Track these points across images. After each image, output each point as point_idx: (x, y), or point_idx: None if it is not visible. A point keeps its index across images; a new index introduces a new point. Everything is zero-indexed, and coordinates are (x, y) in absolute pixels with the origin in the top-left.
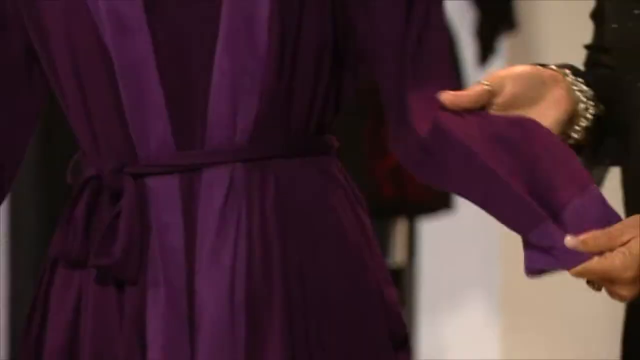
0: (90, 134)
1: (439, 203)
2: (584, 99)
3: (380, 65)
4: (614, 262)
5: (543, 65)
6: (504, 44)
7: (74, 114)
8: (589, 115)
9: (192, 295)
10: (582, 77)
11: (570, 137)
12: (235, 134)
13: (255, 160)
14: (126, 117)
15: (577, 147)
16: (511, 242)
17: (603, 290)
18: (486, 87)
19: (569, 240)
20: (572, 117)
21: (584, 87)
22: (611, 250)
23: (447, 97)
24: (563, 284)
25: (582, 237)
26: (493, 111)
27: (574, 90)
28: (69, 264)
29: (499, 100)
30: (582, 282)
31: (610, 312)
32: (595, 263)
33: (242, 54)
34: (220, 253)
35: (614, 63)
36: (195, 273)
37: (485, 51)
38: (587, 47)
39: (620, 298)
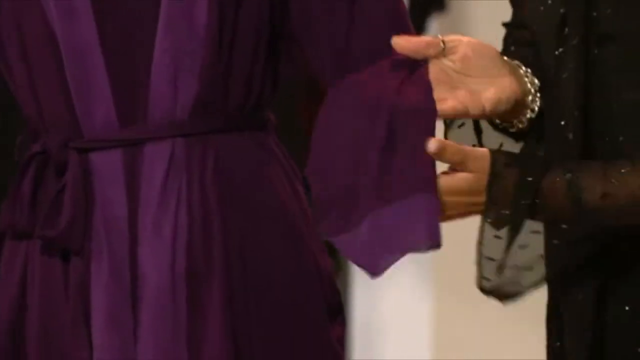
0: (37, 112)
1: None
2: (533, 91)
3: (315, 41)
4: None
5: None
6: (433, 25)
7: (22, 93)
8: (535, 107)
9: (135, 266)
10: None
11: (513, 125)
12: (176, 110)
13: (196, 135)
14: (71, 95)
15: (520, 134)
16: None
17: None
18: (439, 40)
19: (433, 141)
20: (519, 107)
21: (535, 80)
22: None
23: (398, 40)
24: None
25: (445, 142)
26: (450, 69)
27: (525, 82)
28: (16, 235)
29: (453, 57)
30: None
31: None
32: (442, 179)
33: (182, 35)
34: (161, 225)
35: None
36: (138, 245)
37: (416, 31)
38: (506, 24)
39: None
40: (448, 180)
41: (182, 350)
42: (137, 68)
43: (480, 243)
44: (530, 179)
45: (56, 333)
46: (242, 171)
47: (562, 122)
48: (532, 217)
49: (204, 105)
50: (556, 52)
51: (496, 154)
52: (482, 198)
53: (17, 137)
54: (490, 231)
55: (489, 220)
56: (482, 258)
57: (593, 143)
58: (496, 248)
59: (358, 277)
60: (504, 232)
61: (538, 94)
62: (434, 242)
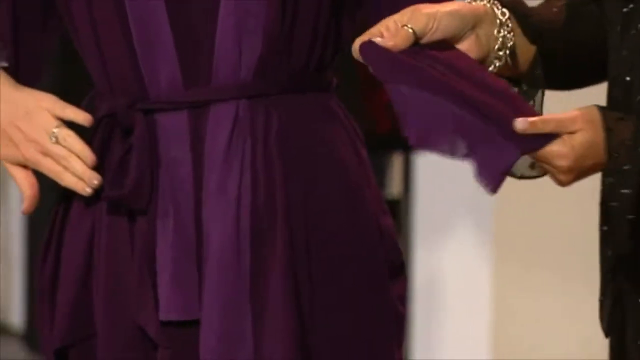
0: (104, 74)
1: None
2: (498, 46)
3: (375, 4)
4: (552, 147)
5: None
6: None
7: (89, 55)
8: (498, 63)
9: (199, 225)
10: (524, 18)
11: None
12: (240, 71)
13: (260, 97)
14: (137, 56)
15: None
16: None
17: (591, 221)
18: (410, 31)
19: (519, 122)
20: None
21: (508, 35)
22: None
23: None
24: (553, 214)
25: (532, 119)
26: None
27: (496, 36)
28: (84, 198)
29: (423, 41)
30: (574, 211)
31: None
32: None
33: None
34: (226, 185)
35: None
36: (203, 204)
37: None
38: None
39: (558, 183)
40: (565, 146)
41: (245, 307)
42: (201, 29)
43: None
44: None
45: (122, 293)
46: (305, 132)
47: (627, 78)
48: None
49: (268, 66)
50: (624, 10)
51: (601, 110)
52: (602, 155)
53: (80, 101)
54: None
55: (612, 179)
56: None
57: None
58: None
59: (419, 237)
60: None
61: (503, 51)
62: (489, 189)
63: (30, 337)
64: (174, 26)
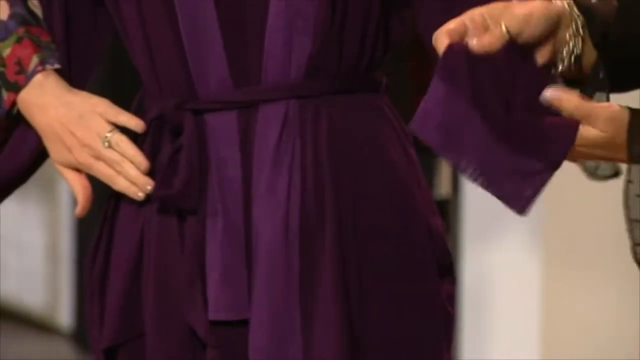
0: (153, 74)
1: None
2: (566, 50)
3: (426, 4)
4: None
5: None
6: None
7: (138, 55)
8: (576, 50)
9: (249, 224)
10: (591, 20)
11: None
12: (290, 71)
13: (309, 97)
14: (186, 56)
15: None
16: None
17: None
18: (505, 31)
19: (551, 92)
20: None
21: (578, 43)
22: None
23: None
24: (604, 213)
25: (565, 95)
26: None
27: (567, 40)
28: (133, 200)
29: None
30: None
31: None
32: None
33: None
34: (275, 184)
35: None
36: (252, 204)
37: None
38: None
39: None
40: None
41: (295, 307)
42: (251, 29)
43: (626, 206)
44: None
45: (172, 292)
46: (355, 132)
47: None
48: None
49: (318, 66)
50: None
51: (634, 116)
52: (620, 155)
53: (129, 103)
54: (634, 190)
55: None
56: (631, 222)
57: None
58: None
59: (468, 237)
60: None
61: (580, 35)
62: (519, 211)
63: (79, 336)
64: (223, 25)
